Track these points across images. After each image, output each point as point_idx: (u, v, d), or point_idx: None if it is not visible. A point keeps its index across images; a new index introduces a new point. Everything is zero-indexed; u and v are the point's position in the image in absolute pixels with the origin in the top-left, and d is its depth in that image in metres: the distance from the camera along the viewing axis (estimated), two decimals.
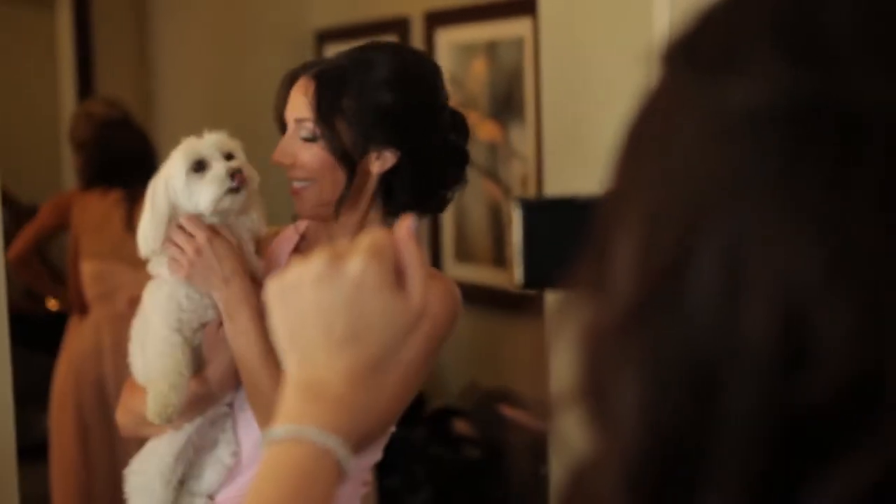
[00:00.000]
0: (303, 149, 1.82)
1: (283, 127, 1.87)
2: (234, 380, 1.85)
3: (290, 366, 0.84)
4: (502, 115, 3.94)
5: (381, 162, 1.82)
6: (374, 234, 0.83)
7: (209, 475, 1.88)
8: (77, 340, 3.72)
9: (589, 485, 0.55)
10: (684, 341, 0.50)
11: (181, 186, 1.80)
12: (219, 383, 1.85)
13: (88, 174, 3.82)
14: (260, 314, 1.76)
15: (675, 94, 0.54)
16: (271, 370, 1.76)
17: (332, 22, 4.66)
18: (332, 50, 4.54)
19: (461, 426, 3.69)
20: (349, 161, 1.81)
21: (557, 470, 2.87)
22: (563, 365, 0.60)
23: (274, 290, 0.84)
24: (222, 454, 1.88)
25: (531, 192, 3.82)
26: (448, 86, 1.90)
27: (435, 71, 1.90)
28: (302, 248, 1.95)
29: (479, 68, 4.02)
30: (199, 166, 1.79)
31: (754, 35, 0.51)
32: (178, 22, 4.83)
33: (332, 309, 0.81)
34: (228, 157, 1.81)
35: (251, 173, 1.82)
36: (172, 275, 1.82)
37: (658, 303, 0.51)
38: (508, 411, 3.64)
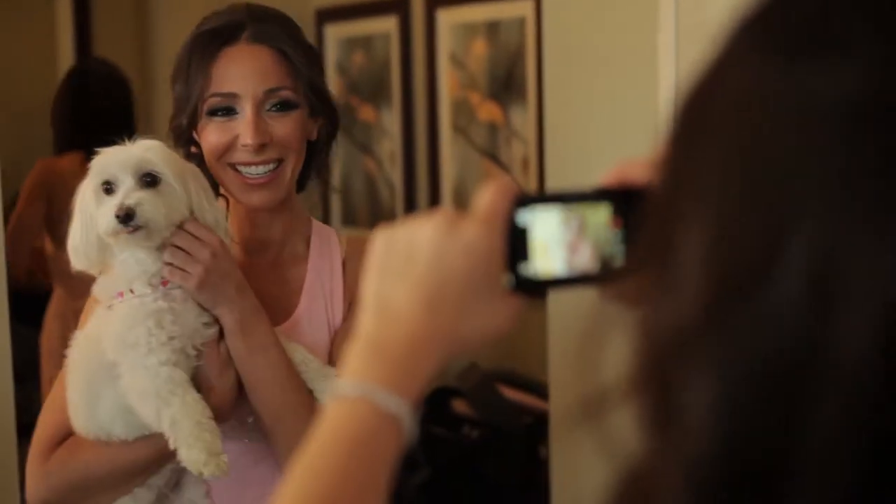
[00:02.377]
0: (277, 123, 1.64)
1: (198, 108, 1.64)
2: (233, 406, 1.59)
3: (366, 322, 0.81)
4: (503, 95, 3.93)
5: (314, 130, 1.73)
6: (491, 198, 0.79)
7: None
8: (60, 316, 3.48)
9: (645, 491, 0.52)
10: (765, 348, 0.47)
11: (92, 206, 1.55)
12: (223, 412, 1.56)
13: (60, 136, 3.48)
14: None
15: (751, 78, 0.49)
16: (296, 388, 1.58)
17: (332, 1, 4.64)
18: (332, 30, 4.54)
19: (460, 406, 3.69)
20: (335, 111, 1.73)
21: (557, 452, 2.87)
22: (607, 359, 0.58)
23: (382, 233, 0.81)
24: (194, 496, 1.64)
25: (532, 174, 3.81)
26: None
27: None
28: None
29: (479, 49, 4.00)
30: (108, 187, 1.54)
31: (850, 11, 0.46)
32: None
33: (438, 261, 0.78)
34: (146, 177, 1.53)
35: (154, 211, 1.51)
36: (187, 284, 1.55)
37: (735, 305, 0.48)
38: (508, 392, 3.64)
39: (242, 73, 1.63)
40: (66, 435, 1.61)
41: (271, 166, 1.64)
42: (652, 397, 0.52)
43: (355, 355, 0.80)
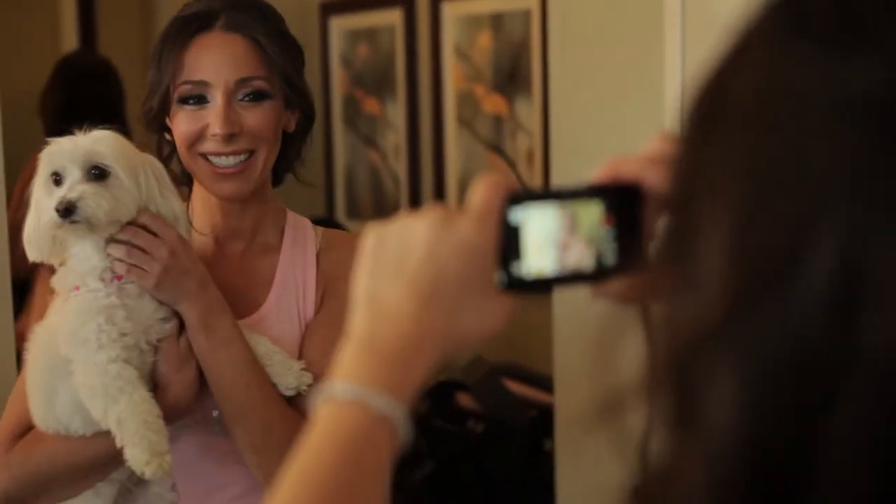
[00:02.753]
0: (249, 113, 1.60)
1: (169, 94, 1.62)
2: (194, 403, 1.58)
3: (358, 322, 0.79)
4: (508, 88, 3.92)
5: (290, 121, 1.69)
6: (484, 194, 0.78)
7: None
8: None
9: (665, 491, 0.51)
10: (790, 345, 0.46)
11: (42, 197, 1.53)
12: (180, 412, 1.55)
13: (48, 128, 3.33)
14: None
15: (775, 67, 0.48)
16: (259, 384, 1.56)
17: None
18: (337, 22, 4.53)
19: (465, 400, 3.68)
20: (310, 104, 1.69)
21: (562, 446, 2.86)
22: (623, 358, 0.57)
23: (374, 231, 0.80)
24: (160, 489, 1.61)
25: (537, 166, 3.79)
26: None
27: None
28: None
29: (484, 41, 3.99)
30: (56, 178, 1.52)
31: (877, 2, 0.45)
32: None
33: (431, 258, 0.77)
34: (93, 170, 1.50)
35: (96, 205, 1.48)
36: (107, 286, 1.52)
37: (759, 302, 0.46)
38: (513, 386, 3.63)
39: (214, 61, 1.60)
40: (28, 427, 1.60)
41: (242, 157, 1.61)
42: (672, 395, 0.50)
43: (347, 355, 0.78)
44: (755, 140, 0.48)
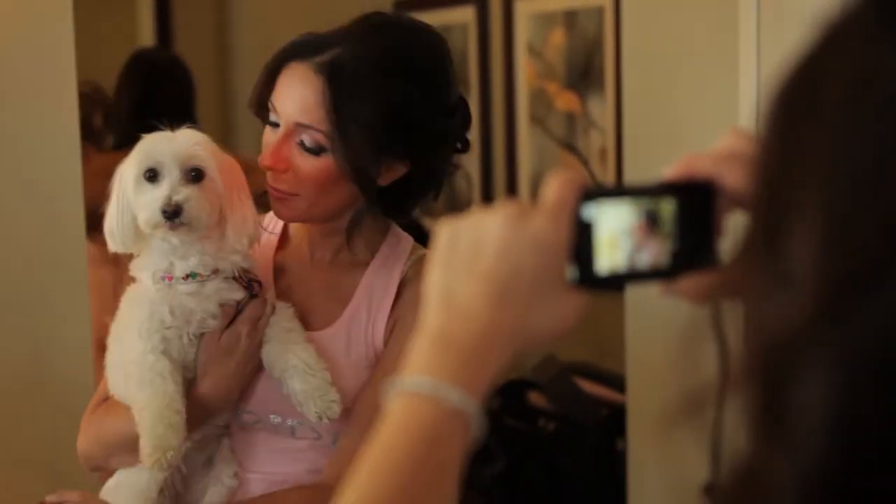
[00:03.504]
0: (301, 158, 1.55)
1: (261, 114, 1.59)
2: (233, 397, 1.61)
3: (431, 317, 0.78)
4: (580, 85, 3.90)
5: (390, 174, 1.58)
6: (557, 190, 0.78)
7: (210, 497, 1.65)
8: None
9: (750, 495, 0.50)
10: (885, 348, 0.44)
11: (131, 191, 1.54)
12: (216, 402, 1.59)
13: (119, 125, 3.32)
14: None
15: (873, 64, 0.46)
16: None
17: None
18: None
19: (536, 399, 3.66)
20: (366, 180, 1.55)
21: (634, 445, 2.84)
22: (701, 356, 0.56)
23: (447, 226, 0.79)
24: (221, 474, 1.65)
25: (610, 164, 3.77)
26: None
27: (447, 55, 1.62)
28: (287, 249, 1.72)
29: (557, 38, 3.97)
30: (152, 175, 1.53)
31: None
32: None
33: (505, 254, 0.76)
34: (192, 171, 1.52)
35: (199, 209, 1.51)
36: (156, 283, 1.57)
37: (854, 301, 0.45)
38: (585, 385, 3.62)
39: (288, 96, 1.55)
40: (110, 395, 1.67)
41: (289, 191, 1.58)
42: (759, 396, 0.49)
43: (420, 350, 0.78)
44: (851, 138, 0.46)
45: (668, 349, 2.02)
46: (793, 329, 0.47)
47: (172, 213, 1.50)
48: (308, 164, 1.55)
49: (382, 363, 1.61)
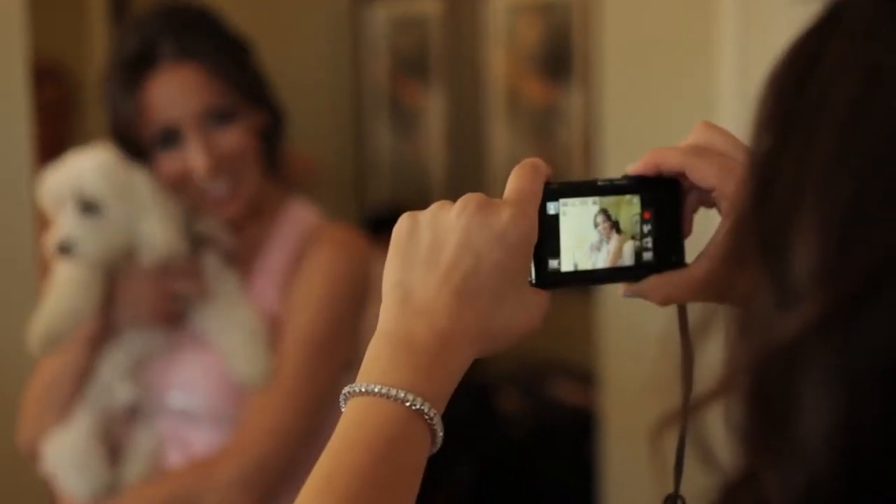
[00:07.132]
0: (221, 137, 1.58)
1: (128, 147, 1.60)
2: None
3: (388, 315, 0.74)
4: (553, 76, 3.85)
5: (260, 124, 1.66)
6: (522, 182, 0.75)
7: (140, 441, 1.67)
8: None
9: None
10: (891, 354, 0.42)
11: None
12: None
13: None
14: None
15: (879, 58, 0.44)
16: None
17: None
18: (371, 14, 4.47)
19: (506, 401, 3.65)
20: (278, 127, 1.67)
21: (606, 447, 2.83)
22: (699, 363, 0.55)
23: (407, 218, 0.76)
24: (141, 441, 1.68)
25: (581, 157, 3.74)
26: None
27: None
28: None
29: (531, 28, 3.93)
30: (56, 207, 1.59)
31: None
32: None
33: (466, 250, 0.73)
34: (86, 204, 1.55)
35: (92, 244, 1.55)
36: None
37: (858, 308, 0.43)
38: (556, 387, 3.60)
39: (172, 97, 1.56)
40: None
41: (221, 184, 1.60)
42: (753, 403, 0.47)
43: (379, 351, 0.73)
44: (856, 137, 0.44)
45: (640, 344, 2.03)
46: (793, 334, 0.46)
47: (65, 249, 1.54)
48: (232, 138, 1.58)
49: (290, 332, 1.62)
